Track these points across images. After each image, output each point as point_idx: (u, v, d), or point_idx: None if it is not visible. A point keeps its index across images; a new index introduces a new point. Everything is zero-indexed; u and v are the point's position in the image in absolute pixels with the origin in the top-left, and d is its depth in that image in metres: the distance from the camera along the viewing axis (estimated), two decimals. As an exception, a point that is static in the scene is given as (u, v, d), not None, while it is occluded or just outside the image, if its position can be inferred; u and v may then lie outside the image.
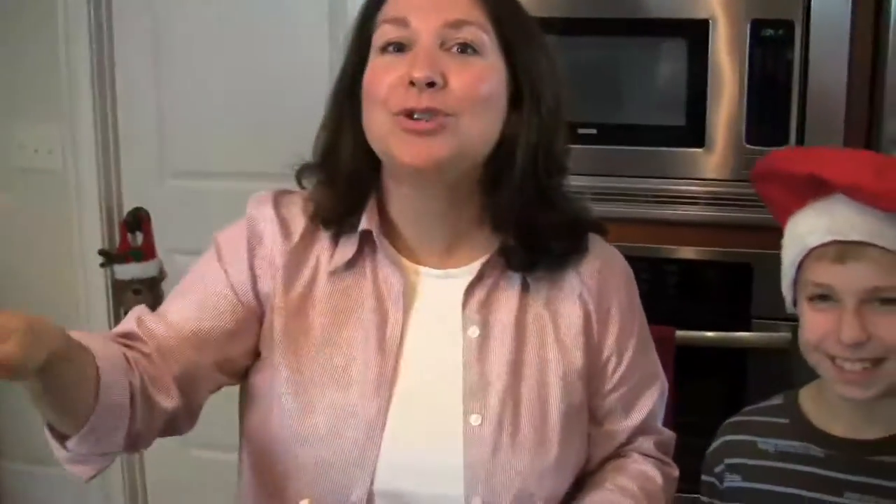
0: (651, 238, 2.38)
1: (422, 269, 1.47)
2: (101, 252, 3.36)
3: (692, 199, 2.34)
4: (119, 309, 3.40)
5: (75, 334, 1.21)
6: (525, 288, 1.47)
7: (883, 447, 1.44)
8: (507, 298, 1.46)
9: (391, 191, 1.47)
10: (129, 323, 1.40)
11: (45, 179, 3.40)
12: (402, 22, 1.38)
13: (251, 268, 1.45)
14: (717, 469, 1.58)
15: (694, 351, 2.34)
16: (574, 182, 2.33)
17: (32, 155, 3.40)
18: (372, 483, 1.37)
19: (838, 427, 1.48)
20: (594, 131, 2.36)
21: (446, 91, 1.35)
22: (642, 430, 1.55)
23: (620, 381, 1.51)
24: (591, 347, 1.48)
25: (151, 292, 3.33)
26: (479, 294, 1.45)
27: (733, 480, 1.54)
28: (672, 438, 1.62)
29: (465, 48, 1.37)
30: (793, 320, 2.24)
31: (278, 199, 1.50)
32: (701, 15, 2.26)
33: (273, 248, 1.45)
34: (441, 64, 1.35)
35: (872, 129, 2.26)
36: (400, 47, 1.38)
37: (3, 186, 3.46)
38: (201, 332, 1.41)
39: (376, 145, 1.41)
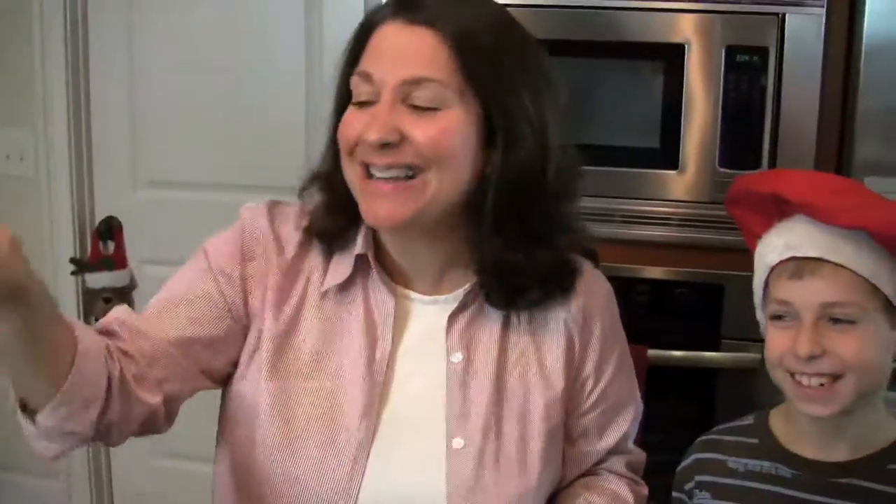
0: (624, 258, 2.39)
1: (412, 294, 1.49)
2: (73, 260, 3.34)
3: (665, 220, 2.37)
4: (89, 318, 3.39)
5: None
6: (507, 317, 1.48)
7: (849, 469, 1.47)
8: (490, 325, 1.48)
9: None
10: (110, 321, 1.39)
11: (17, 186, 3.40)
12: (366, 77, 1.37)
13: (243, 280, 1.45)
14: (688, 486, 1.60)
15: (664, 370, 2.35)
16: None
17: (4, 161, 3.40)
18: None
19: (807, 448, 1.50)
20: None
21: (405, 146, 1.34)
22: (615, 450, 1.58)
23: (596, 402, 1.54)
24: (571, 370, 1.50)
25: (122, 301, 3.31)
26: (462, 321, 1.47)
27: (703, 498, 1.57)
28: (643, 458, 1.66)
29: (425, 107, 1.35)
30: (762, 341, 2.29)
31: (273, 211, 1.50)
32: (677, 39, 2.29)
33: (266, 265, 1.45)
34: (399, 120, 1.34)
35: (843, 154, 2.30)
36: (364, 102, 1.37)
37: (-25, 192, 3.44)
38: (187, 338, 1.41)
39: (352, 191, 1.42)
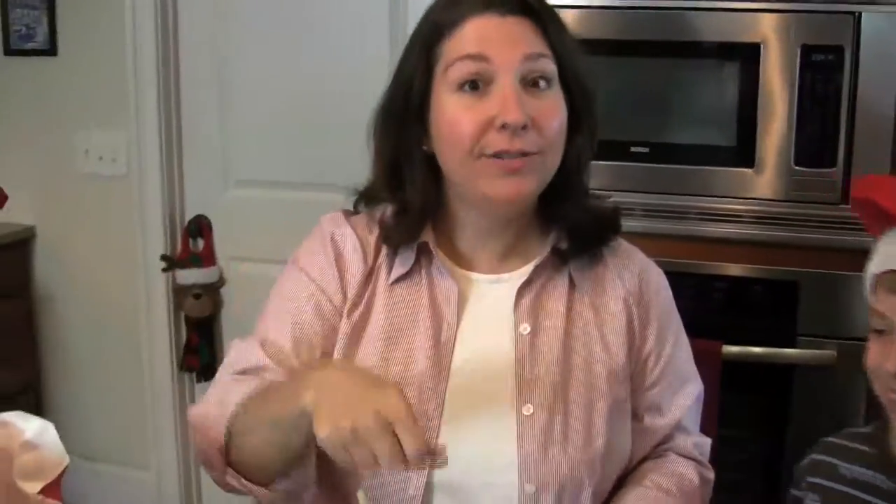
0: (700, 255, 2.42)
1: (474, 275, 1.56)
2: (164, 257, 3.46)
3: (740, 218, 2.38)
4: (178, 313, 3.50)
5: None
6: (572, 290, 1.56)
7: None
8: (556, 299, 1.55)
9: (455, 212, 1.55)
10: (252, 356, 1.50)
11: (110, 185, 3.53)
12: (481, 58, 1.43)
13: (341, 283, 1.53)
14: (803, 485, 1.61)
15: (741, 366, 2.37)
16: (626, 198, 2.43)
17: (98, 162, 3.52)
18: (428, 475, 1.45)
19: None
20: (646, 150, 2.42)
21: (533, 132, 1.43)
22: (680, 428, 1.63)
23: (659, 378, 1.60)
24: (633, 347, 1.58)
25: (211, 298, 3.42)
26: (530, 295, 1.54)
27: (814, 500, 1.57)
28: (708, 443, 1.69)
29: (540, 82, 1.45)
30: (839, 338, 2.31)
31: (350, 219, 1.59)
32: (753, 39, 2.30)
33: (354, 267, 1.54)
34: (525, 104, 1.43)
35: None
36: (475, 85, 1.44)
37: (69, 192, 3.59)
38: (316, 354, 1.51)
39: (461, 182, 1.50)
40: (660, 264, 2.42)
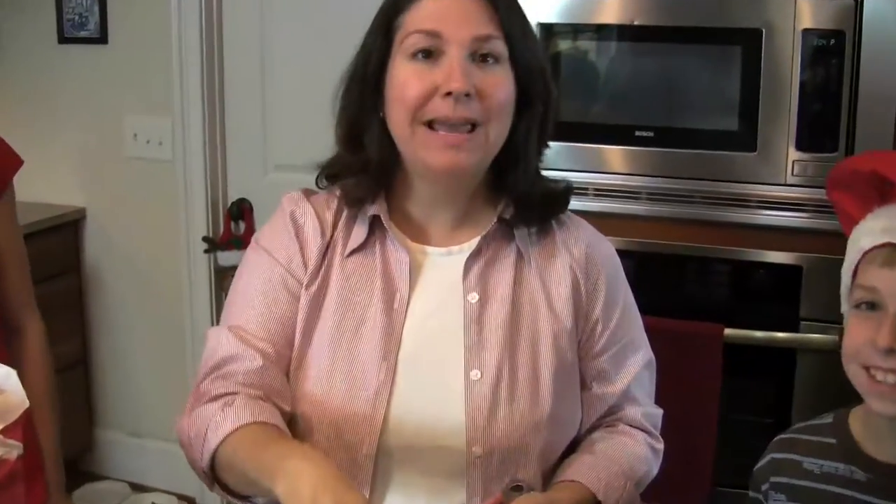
0: (703, 238, 2.45)
1: (427, 248, 1.62)
2: (206, 239, 3.55)
3: (743, 202, 2.40)
4: (220, 294, 3.59)
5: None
6: (520, 261, 1.61)
7: None
8: (504, 269, 1.60)
9: (409, 179, 1.61)
10: (224, 346, 1.55)
11: (156, 169, 3.63)
12: (433, 34, 1.51)
13: (303, 258, 1.59)
14: (764, 487, 1.59)
15: (743, 349, 2.39)
16: (630, 182, 2.46)
17: (145, 146, 3.63)
18: (380, 439, 1.51)
19: (884, 451, 1.46)
20: (651, 134, 2.44)
21: (473, 101, 1.49)
22: (629, 398, 1.67)
23: (606, 344, 1.64)
24: (580, 313, 1.62)
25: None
26: (478, 265, 1.60)
27: (778, 500, 1.55)
28: (660, 414, 1.73)
29: (488, 59, 1.52)
30: (840, 323, 2.30)
31: (310, 198, 1.65)
32: (754, 24, 2.32)
33: (313, 241, 1.60)
34: (471, 75, 1.49)
35: (923, 138, 2.29)
36: (428, 53, 1.51)
37: (116, 174, 3.70)
38: (287, 330, 1.57)
39: (403, 147, 1.56)
40: (662, 247, 2.48)
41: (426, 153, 1.52)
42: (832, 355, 2.30)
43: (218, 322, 1.66)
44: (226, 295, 3.33)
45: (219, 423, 1.45)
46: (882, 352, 1.37)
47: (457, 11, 1.52)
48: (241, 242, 3.51)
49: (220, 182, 3.59)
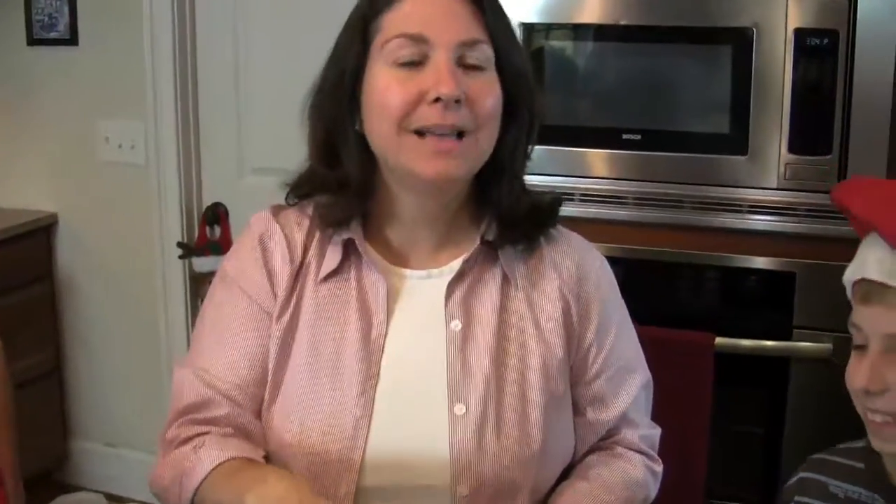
0: (693, 244, 2.38)
1: (406, 271, 1.52)
2: (180, 244, 3.48)
3: (734, 207, 2.33)
4: (196, 301, 3.52)
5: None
6: (506, 283, 1.52)
7: None
8: (489, 293, 1.51)
9: (388, 198, 1.51)
10: (194, 391, 1.47)
11: (129, 173, 3.56)
12: (418, 38, 1.41)
13: (272, 287, 1.50)
14: None
15: (735, 358, 2.33)
16: (617, 186, 2.40)
17: (117, 150, 3.56)
18: (359, 479, 1.42)
19: None
20: (638, 137, 2.38)
21: (466, 107, 1.40)
22: (626, 421, 1.58)
23: (601, 370, 1.55)
24: (572, 339, 1.53)
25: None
26: (461, 290, 1.50)
27: None
28: (657, 434, 1.64)
29: (475, 64, 1.42)
30: (836, 331, 2.25)
31: (279, 216, 1.55)
32: (745, 23, 2.25)
33: (282, 268, 1.50)
34: (461, 81, 1.40)
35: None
36: (413, 63, 1.41)
37: (89, 179, 3.63)
38: (257, 367, 1.48)
39: (387, 157, 1.45)
40: (651, 254, 2.41)
41: (415, 162, 1.41)
42: (826, 364, 2.28)
43: (190, 335, 1.58)
44: (202, 301, 3.26)
45: (193, 465, 1.38)
46: (861, 392, 1.34)
47: (442, 13, 1.42)
48: (218, 248, 3.45)
49: (194, 186, 3.53)
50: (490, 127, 1.44)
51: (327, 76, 1.50)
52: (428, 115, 1.39)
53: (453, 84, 1.38)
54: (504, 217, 1.51)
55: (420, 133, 1.41)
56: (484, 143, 1.44)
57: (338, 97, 1.48)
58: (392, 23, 1.43)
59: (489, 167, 1.48)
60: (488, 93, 1.43)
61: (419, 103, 1.40)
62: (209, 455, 1.38)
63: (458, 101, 1.39)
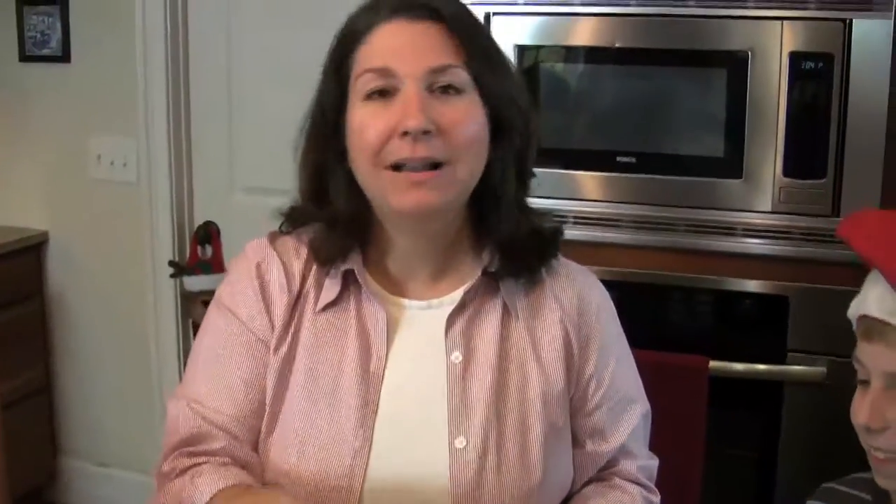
0: (687, 267, 2.36)
1: (405, 301, 1.50)
2: (172, 263, 3.47)
3: (728, 230, 2.32)
4: (187, 320, 3.50)
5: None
6: (506, 314, 1.50)
7: None
8: (489, 324, 1.49)
9: (383, 229, 1.50)
10: (188, 423, 1.45)
11: (120, 191, 3.55)
12: (384, 71, 1.40)
13: (269, 317, 1.48)
14: None
15: (729, 382, 2.32)
16: (611, 209, 2.39)
17: (109, 167, 3.56)
18: None
19: None
20: (633, 160, 2.36)
21: (436, 138, 1.38)
22: (625, 452, 1.57)
23: (601, 402, 1.54)
24: (572, 371, 1.51)
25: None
26: (461, 321, 1.48)
27: None
28: (655, 465, 1.63)
29: (449, 90, 1.40)
30: (830, 355, 2.24)
31: (276, 244, 1.53)
32: (740, 46, 2.24)
33: (280, 298, 1.48)
34: (430, 110, 1.38)
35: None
36: (384, 93, 1.40)
37: (80, 197, 3.62)
38: (254, 398, 1.46)
39: (369, 192, 1.45)
40: (645, 277, 2.40)
41: (392, 195, 1.40)
42: (820, 387, 2.27)
43: (184, 350, 1.57)
44: (193, 322, 3.23)
45: (192, 494, 1.36)
46: (862, 428, 1.33)
47: (409, 44, 1.41)
48: (210, 267, 3.42)
49: (186, 204, 3.53)
50: (470, 155, 1.42)
51: (313, 115, 1.50)
52: (400, 149, 1.38)
53: (421, 117, 1.36)
54: (505, 244, 1.49)
55: (397, 167, 1.39)
56: (462, 172, 1.42)
57: (322, 136, 1.48)
58: (362, 58, 1.43)
59: (483, 194, 1.47)
60: (465, 119, 1.41)
61: (391, 137, 1.38)
62: (207, 482, 1.37)
63: (426, 133, 1.37)
